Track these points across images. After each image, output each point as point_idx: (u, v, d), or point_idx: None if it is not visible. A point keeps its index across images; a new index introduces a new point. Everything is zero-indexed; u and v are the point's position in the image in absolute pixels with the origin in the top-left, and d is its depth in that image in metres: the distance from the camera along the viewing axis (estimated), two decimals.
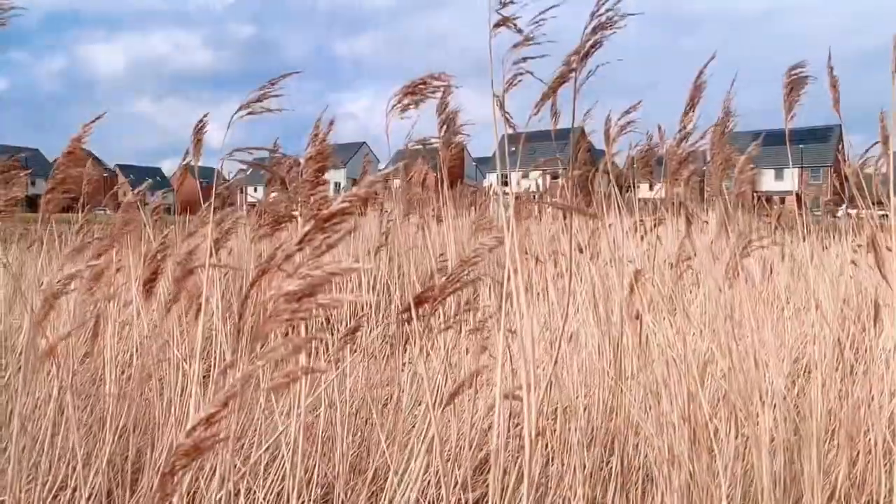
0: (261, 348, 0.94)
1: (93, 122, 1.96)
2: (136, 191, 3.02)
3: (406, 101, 1.82)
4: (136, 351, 2.34)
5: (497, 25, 1.48)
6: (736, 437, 1.79)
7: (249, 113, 1.58)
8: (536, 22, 1.48)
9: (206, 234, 1.99)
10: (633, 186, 2.43)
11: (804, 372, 2.60)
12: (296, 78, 1.71)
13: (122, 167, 58.80)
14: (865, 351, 2.57)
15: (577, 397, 2.18)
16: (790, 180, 43.75)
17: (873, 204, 2.48)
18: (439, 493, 1.71)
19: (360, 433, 2.38)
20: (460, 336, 2.35)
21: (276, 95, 1.59)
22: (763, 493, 1.67)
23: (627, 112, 2.10)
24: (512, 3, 1.49)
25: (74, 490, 1.88)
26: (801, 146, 48.69)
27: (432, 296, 1.32)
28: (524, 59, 1.51)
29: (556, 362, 1.76)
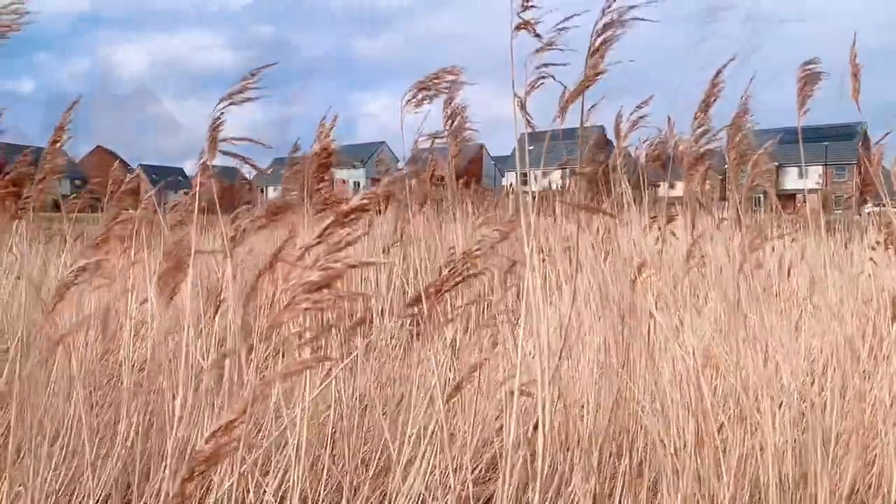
0: (274, 339, 0.96)
1: (69, 108, 2.03)
2: (125, 181, 3.07)
3: (420, 97, 1.84)
4: (154, 348, 2.37)
5: (517, 28, 1.50)
6: (744, 441, 1.77)
7: (231, 104, 1.63)
8: (560, 29, 1.49)
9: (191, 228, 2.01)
10: (644, 184, 2.42)
11: (820, 372, 2.56)
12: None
13: (145, 167, 59.56)
14: (885, 358, 2.52)
15: (587, 400, 2.17)
16: (813, 178, 43.17)
17: (891, 199, 2.44)
18: (445, 491, 1.71)
19: (372, 428, 2.39)
20: (471, 335, 2.35)
21: (257, 87, 1.63)
22: (769, 495, 1.65)
23: (639, 107, 2.08)
24: (532, 6, 1.50)
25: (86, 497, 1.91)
26: (825, 144, 47.93)
27: (436, 289, 1.33)
28: (546, 66, 1.53)
29: (560, 356, 1.76)
